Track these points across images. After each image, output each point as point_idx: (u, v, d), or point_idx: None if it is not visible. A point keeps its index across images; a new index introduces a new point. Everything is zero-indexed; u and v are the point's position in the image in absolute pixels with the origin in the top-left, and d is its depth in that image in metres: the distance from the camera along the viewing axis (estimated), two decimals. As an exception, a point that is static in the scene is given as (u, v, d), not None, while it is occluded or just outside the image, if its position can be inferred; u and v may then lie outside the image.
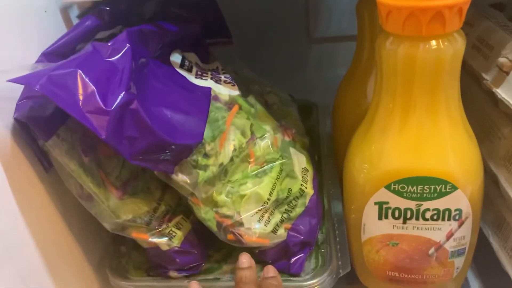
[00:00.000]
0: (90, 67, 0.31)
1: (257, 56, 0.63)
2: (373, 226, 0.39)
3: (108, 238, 0.44)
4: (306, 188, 0.41)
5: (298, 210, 0.40)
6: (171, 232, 0.37)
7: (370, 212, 0.38)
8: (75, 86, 0.30)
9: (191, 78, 0.40)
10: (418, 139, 0.35)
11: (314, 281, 0.37)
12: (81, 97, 0.30)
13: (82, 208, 0.38)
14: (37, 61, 0.35)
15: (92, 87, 0.30)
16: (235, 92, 0.41)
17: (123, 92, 0.31)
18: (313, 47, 0.72)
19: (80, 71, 0.30)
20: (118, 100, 0.31)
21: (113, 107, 0.30)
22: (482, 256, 0.43)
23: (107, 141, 0.30)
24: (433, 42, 0.32)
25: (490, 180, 0.40)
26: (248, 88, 0.49)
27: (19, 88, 0.33)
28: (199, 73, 0.41)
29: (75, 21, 0.42)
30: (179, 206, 0.39)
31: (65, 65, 0.31)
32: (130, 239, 0.42)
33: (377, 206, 0.38)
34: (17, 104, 0.32)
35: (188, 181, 0.35)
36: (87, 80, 0.30)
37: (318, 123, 0.59)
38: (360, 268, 0.43)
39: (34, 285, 0.34)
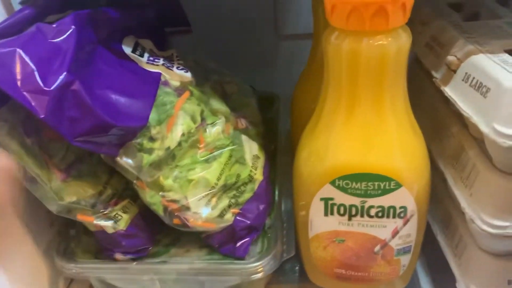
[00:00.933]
0: (31, 47, 0.31)
1: (224, 52, 0.64)
2: (319, 223, 0.39)
3: (59, 222, 0.44)
4: (255, 174, 0.41)
5: (247, 195, 0.41)
6: (116, 215, 0.38)
7: (316, 208, 0.38)
8: (14, 65, 0.30)
9: (142, 63, 0.40)
10: (362, 136, 0.35)
11: (257, 264, 0.38)
12: (19, 76, 0.30)
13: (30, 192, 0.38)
14: (-20, 41, 0.34)
15: (31, 66, 0.30)
16: (187, 79, 0.42)
17: (65, 73, 0.31)
18: (281, 44, 0.72)
19: (20, 51, 0.30)
20: (58, 81, 0.31)
21: (53, 87, 0.30)
22: (432, 253, 0.44)
23: (46, 120, 0.30)
24: (377, 38, 0.32)
25: (440, 179, 0.41)
26: (207, 77, 0.49)
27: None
28: (150, 58, 0.41)
29: (17, 7, 0.41)
30: (126, 190, 0.39)
31: (5, 44, 0.31)
32: (80, 223, 0.42)
33: (323, 202, 0.38)
34: (-45, 83, 0.32)
35: (133, 164, 0.35)
36: (27, 59, 0.30)
37: (278, 114, 0.59)
38: (309, 265, 0.43)
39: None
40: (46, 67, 0.31)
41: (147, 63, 0.41)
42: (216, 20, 0.65)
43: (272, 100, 0.62)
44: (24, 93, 0.30)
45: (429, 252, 0.46)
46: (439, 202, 0.43)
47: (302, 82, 0.51)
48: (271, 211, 0.44)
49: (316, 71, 0.48)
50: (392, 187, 0.36)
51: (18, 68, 0.30)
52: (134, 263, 0.39)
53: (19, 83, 0.30)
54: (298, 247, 0.42)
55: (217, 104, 0.44)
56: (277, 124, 0.56)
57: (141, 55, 0.41)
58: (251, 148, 0.44)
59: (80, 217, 0.37)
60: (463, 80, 0.37)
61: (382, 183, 0.36)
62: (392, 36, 0.32)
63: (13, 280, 0.37)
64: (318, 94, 0.47)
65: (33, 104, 0.30)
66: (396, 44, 0.33)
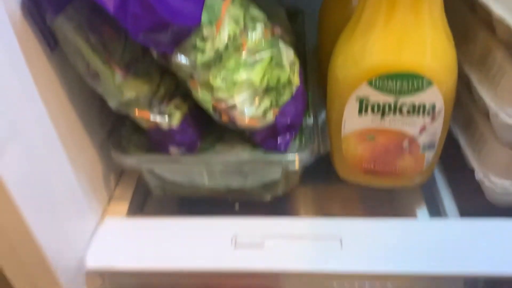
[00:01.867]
0: None
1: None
2: (353, 121, 0.43)
3: (109, 123, 0.48)
4: (293, 78, 0.44)
5: (286, 97, 0.44)
6: (170, 112, 0.41)
7: (351, 107, 0.42)
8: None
9: (187, -32, 0.41)
10: (400, 38, 0.38)
11: (296, 156, 0.42)
12: (90, -27, 0.32)
13: (84, 91, 0.40)
14: None
15: (99, -37, 0.32)
16: (229, -16, 0.43)
17: (128, -29, 0.33)
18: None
19: None
20: (123, -22, 0.32)
21: (119, -16, 0.32)
22: (448, 158, 0.49)
23: (115, 16, 0.32)
24: None
25: (463, 85, 0.44)
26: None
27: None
28: (193, -36, 0.42)
29: None
30: (176, 91, 0.42)
31: None
32: (129, 124, 0.46)
33: (358, 102, 0.41)
34: (25, -20, 0.34)
35: (187, 62, 0.38)
36: (94, -44, 0.32)
37: (304, 28, 0.61)
38: (339, 162, 0.47)
39: (39, 159, 0.37)
40: (109, -36, 0.33)
41: (191, -32, 0.42)
42: None
43: (295, 14, 0.63)
44: (96, -11, 0.32)
45: (445, 156, 0.51)
46: (461, 107, 0.47)
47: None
48: (307, 113, 0.47)
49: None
50: (424, 85, 0.39)
51: (88, -35, 0.31)
52: (186, 155, 0.43)
53: (89, -21, 0.31)
54: (330, 146, 0.46)
55: (255, 11, 0.46)
56: (305, 37, 0.58)
57: (184, -40, 0.42)
58: (287, 54, 0.46)
59: (138, 113, 0.40)
60: (497, -15, 0.39)
61: (415, 81, 0.39)
62: None
63: (75, 170, 0.41)
64: (349, 4, 0.49)
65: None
66: None
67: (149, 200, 0.52)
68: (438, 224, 0.45)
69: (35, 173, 0.36)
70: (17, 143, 0.33)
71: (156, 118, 0.40)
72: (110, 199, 0.49)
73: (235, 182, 0.45)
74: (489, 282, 0.43)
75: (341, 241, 0.42)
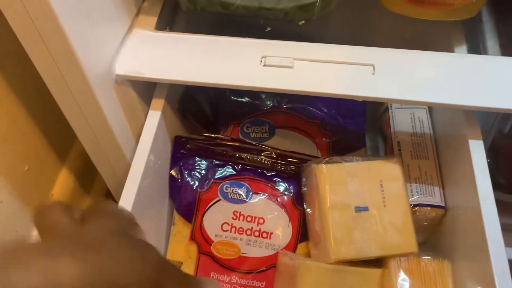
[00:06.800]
0: None
1: None
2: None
3: None
4: None
5: None
6: None
7: None
8: None
9: None
10: None
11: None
12: None
13: None
14: None
15: None
16: None
17: None
18: None
19: None
20: None
21: None
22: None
23: None
24: None
25: None
26: None
27: None
28: None
29: None
30: None
31: None
32: None
33: None
34: None
35: None
36: None
37: None
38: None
39: None
40: None
41: None
42: None
43: None
44: None
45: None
46: None
47: None
48: None
49: None
50: None
51: None
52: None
53: None
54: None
55: None
56: None
57: None
58: None
59: None
60: None
61: None
62: None
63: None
64: None
65: None
66: None
67: (178, 18, 0.51)
68: (473, 59, 0.43)
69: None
70: None
71: None
72: (139, 12, 0.47)
73: (269, 0, 0.43)
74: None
75: (374, 67, 0.41)
